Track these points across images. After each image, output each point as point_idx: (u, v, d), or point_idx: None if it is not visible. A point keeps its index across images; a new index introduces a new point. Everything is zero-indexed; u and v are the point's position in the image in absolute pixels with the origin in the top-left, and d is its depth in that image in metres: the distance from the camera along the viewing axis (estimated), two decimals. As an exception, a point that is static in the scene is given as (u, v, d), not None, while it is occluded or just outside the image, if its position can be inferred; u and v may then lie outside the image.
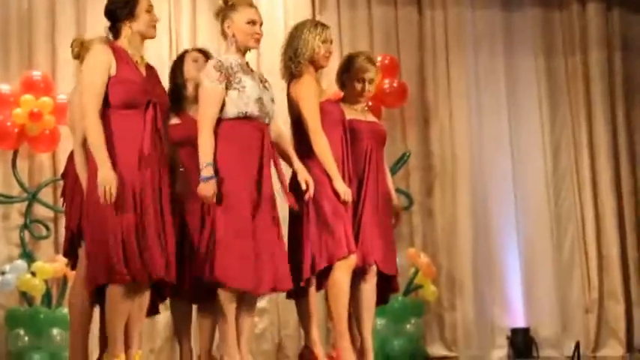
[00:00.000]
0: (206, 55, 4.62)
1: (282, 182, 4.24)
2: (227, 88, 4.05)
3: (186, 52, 4.74)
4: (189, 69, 4.57)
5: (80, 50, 4.33)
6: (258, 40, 4.19)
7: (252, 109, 4.06)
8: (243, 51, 4.19)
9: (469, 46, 7.53)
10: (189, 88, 4.55)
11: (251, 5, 4.20)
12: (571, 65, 7.64)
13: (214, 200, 3.95)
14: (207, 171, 3.95)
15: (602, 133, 7.49)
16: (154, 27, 4.10)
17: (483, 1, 7.62)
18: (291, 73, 4.48)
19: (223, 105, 4.04)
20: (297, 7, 7.36)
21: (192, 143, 4.22)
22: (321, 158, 4.34)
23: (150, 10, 4.07)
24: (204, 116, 4.04)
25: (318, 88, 4.48)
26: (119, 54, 3.98)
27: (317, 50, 4.44)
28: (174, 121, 4.48)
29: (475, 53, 7.56)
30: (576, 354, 2.50)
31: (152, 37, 4.14)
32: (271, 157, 4.13)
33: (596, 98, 7.53)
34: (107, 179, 3.79)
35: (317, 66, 4.50)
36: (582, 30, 7.65)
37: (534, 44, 7.65)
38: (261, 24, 4.18)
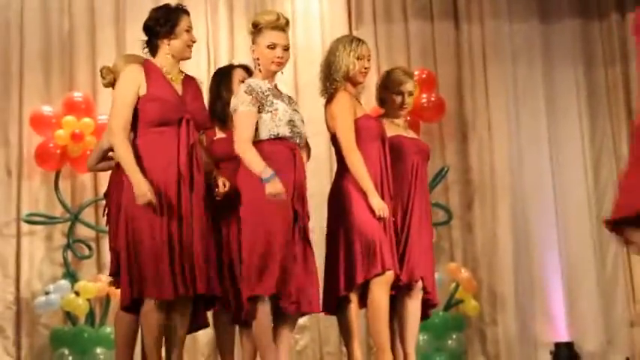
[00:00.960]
0: (249, 74, 4.57)
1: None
2: (259, 112, 4.05)
3: (233, 68, 4.71)
4: (236, 89, 4.49)
5: (112, 76, 4.36)
6: (279, 64, 4.14)
7: (284, 131, 4.06)
8: (269, 75, 4.17)
9: (507, 59, 7.47)
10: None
11: (275, 28, 4.14)
12: (611, 76, 7.54)
13: (284, 196, 3.91)
14: (267, 171, 3.90)
15: (644, 144, 7.37)
16: (191, 47, 4.11)
17: (521, 14, 7.56)
18: (328, 90, 4.48)
19: (256, 128, 4.04)
20: (333, 22, 7.36)
21: (235, 158, 4.22)
22: (356, 175, 4.31)
23: (189, 30, 4.09)
24: (242, 139, 4.02)
25: (354, 105, 4.46)
26: (151, 72, 3.99)
27: (352, 67, 4.42)
28: (220, 135, 4.50)
29: (513, 66, 7.49)
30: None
31: (188, 58, 4.14)
32: (304, 177, 4.12)
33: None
34: (143, 191, 3.78)
35: (353, 82, 4.48)
36: (622, 40, 7.53)
37: (573, 56, 7.56)
38: (285, 47, 4.12)
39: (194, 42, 4.12)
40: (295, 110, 4.19)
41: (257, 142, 4.03)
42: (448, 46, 7.50)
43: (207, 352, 6.67)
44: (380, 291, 4.28)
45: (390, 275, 4.28)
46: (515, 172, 7.34)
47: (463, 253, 7.24)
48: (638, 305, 7.13)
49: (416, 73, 7.07)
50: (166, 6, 4.15)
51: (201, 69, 6.87)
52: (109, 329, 6.21)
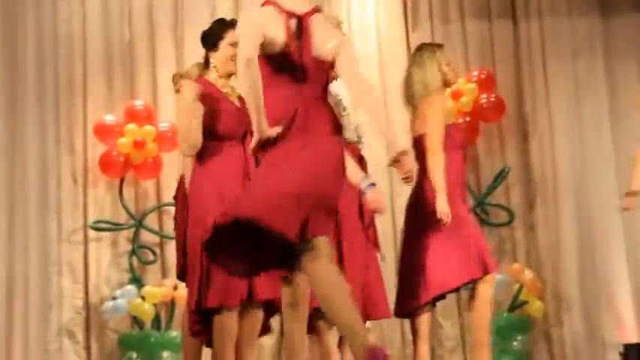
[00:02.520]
0: None
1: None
2: None
3: None
4: None
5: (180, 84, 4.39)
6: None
7: (352, 135, 4.16)
8: None
9: (567, 55, 7.31)
10: None
11: None
12: (676, 69, 7.36)
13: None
14: (368, 179, 3.87)
15: None
16: (234, 61, 3.89)
17: (580, 9, 7.39)
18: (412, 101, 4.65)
19: None
20: (389, 24, 7.29)
21: None
22: (432, 175, 4.33)
23: (234, 44, 3.96)
24: None
25: (446, 109, 4.54)
26: (207, 88, 4.00)
27: (445, 71, 4.57)
28: None
29: (573, 63, 7.33)
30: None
31: (232, 73, 4.05)
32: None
33: None
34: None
35: (448, 85, 4.66)
36: (685, 34, 7.36)
37: (636, 50, 7.36)
38: None
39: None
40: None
41: None
42: (507, 44, 7.38)
43: (270, 358, 6.67)
44: (489, 289, 4.46)
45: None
46: (578, 170, 7.20)
47: (526, 254, 7.13)
48: None
49: (474, 73, 7.08)
50: (219, 20, 4.20)
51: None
52: (174, 333, 6.27)
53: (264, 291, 3.87)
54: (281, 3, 3.31)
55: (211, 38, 4.07)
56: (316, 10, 3.38)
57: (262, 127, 3.15)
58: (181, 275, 4.29)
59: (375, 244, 4.28)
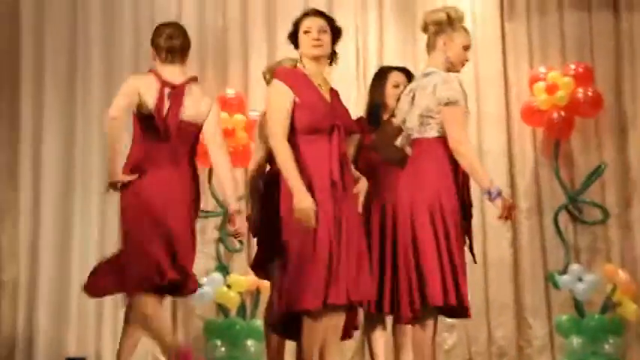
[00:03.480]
0: (408, 78, 4.56)
1: None
2: None
3: (389, 70, 4.68)
4: (389, 93, 4.54)
5: (271, 76, 4.36)
6: (463, 66, 4.16)
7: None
8: (448, 72, 4.09)
9: None
10: (387, 111, 4.53)
11: (467, 30, 4.16)
12: None
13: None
14: (494, 186, 3.91)
15: None
16: (315, 47, 3.97)
17: None
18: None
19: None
20: (484, 15, 7.21)
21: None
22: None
23: (308, 31, 3.99)
24: (464, 139, 3.95)
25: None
26: (299, 81, 3.96)
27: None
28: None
29: None
30: None
31: (315, 57, 4.00)
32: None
33: None
34: (306, 206, 3.73)
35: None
36: None
37: None
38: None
39: (317, 40, 3.97)
40: None
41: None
42: (607, 36, 7.18)
43: (351, 353, 6.68)
44: None
45: None
46: None
47: (621, 254, 6.96)
48: None
49: (572, 66, 6.92)
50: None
51: (349, 70, 6.86)
52: (259, 322, 6.31)
53: (353, 294, 3.82)
54: (160, 72, 4.15)
55: (293, 33, 4.06)
56: (192, 80, 4.23)
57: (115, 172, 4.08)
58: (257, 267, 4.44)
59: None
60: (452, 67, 4.07)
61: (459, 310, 3.96)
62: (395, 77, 4.57)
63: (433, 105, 3.96)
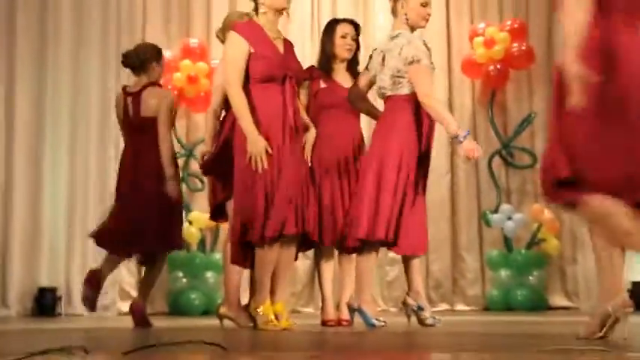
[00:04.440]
0: (356, 29, 4.69)
1: None
2: None
3: (337, 22, 4.78)
4: (338, 43, 4.65)
5: (224, 34, 4.47)
6: (427, 20, 4.23)
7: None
8: (412, 29, 4.21)
9: None
10: (336, 59, 4.66)
11: None
12: None
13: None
14: (464, 129, 4.07)
15: None
16: (286, 1, 4.13)
17: None
18: None
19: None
20: None
21: (337, 107, 4.43)
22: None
23: None
24: (430, 93, 4.11)
25: None
26: (255, 33, 4.08)
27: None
28: (322, 85, 4.60)
29: None
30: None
31: (284, 9, 4.15)
32: None
33: None
34: (257, 146, 3.92)
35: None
36: None
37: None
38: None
39: None
40: None
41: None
42: None
43: (305, 281, 6.87)
44: None
45: None
46: None
47: None
48: None
49: (508, 23, 7.02)
50: None
51: (305, 19, 6.92)
52: (217, 255, 6.38)
53: (308, 224, 4.07)
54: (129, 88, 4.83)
55: None
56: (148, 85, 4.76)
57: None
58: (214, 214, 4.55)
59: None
60: (415, 25, 4.21)
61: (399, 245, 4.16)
62: (343, 28, 4.67)
63: (401, 65, 4.12)
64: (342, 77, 4.67)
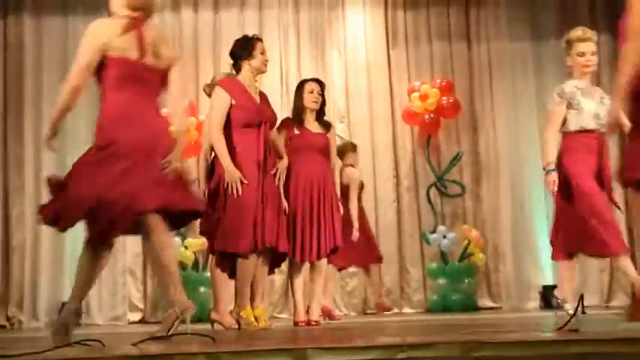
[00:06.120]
0: (320, 86, 4.74)
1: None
2: (568, 108, 3.97)
3: (305, 81, 4.81)
4: (306, 97, 4.68)
5: (210, 90, 4.60)
6: (588, 67, 4.02)
7: (589, 124, 3.98)
8: (579, 77, 4.02)
9: (508, 69, 7.37)
10: (307, 112, 4.70)
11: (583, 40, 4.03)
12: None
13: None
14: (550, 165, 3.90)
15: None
16: (266, 65, 4.26)
17: (517, 35, 7.42)
18: None
19: (565, 121, 3.96)
20: (375, 44, 7.39)
21: (307, 148, 4.52)
22: None
23: (263, 52, 4.23)
24: (548, 133, 3.98)
25: None
26: (236, 87, 4.15)
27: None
28: (296, 132, 4.64)
29: (512, 75, 7.39)
30: (581, 304, 2.61)
31: (264, 72, 4.30)
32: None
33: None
34: (233, 176, 4.00)
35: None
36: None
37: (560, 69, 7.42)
38: (592, 53, 3.99)
39: (267, 61, 4.28)
40: (603, 103, 3.98)
41: (567, 133, 3.95)
42: (462, 59, 7.44)
43: (280, 292, 6.88)
44: None
45: None
46: (513, 154, 7.26)
47: (473, 217, 7.22)
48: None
49: (438, 81, 7.14)
50: (245, 37, 4.33)
51: (275, 83, 7.01)
52: (208, 274, 6.35)
53: (282, 242, 4.13)
54: None
55: (247, 49, 4.20)
56: None
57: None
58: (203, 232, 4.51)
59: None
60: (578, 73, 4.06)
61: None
62: (310, 86, 4.71)
63: None
64: (311, 125, 4.69)
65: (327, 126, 4.71)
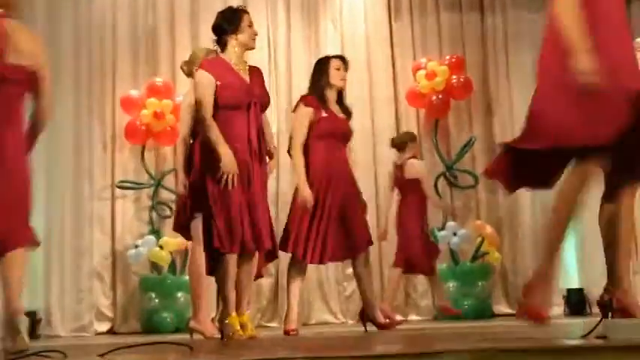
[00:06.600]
0: (345, 63, 4.78)
1: None
2: None
3: (330, 58, 4.83)
4: (333, 74, 4.72)
5: (188, 67, 4.57)
6: None
7: None
8: None
9: (525, 43, 7.32)
10: (331, 91, 4.72)
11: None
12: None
13: None
14: None
15: None
16: (254, 39, 4.22)
17: (537, 5, 7.35)
18: None
19: None
20: (375, 16, 7.44)
21: (333, 137, 4.55)
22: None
23: (251, 25, 4.19)
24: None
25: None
26: (222, 67, 4.13)
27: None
28: (324, 114, 4.64)
29: (531, 49, 7.16)
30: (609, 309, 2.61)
31: (253, 48, 4.26)
32: None
33: None
34: (231, 167, 3.97)
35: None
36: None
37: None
38: None
39: (256, 34, 4.24)
40: None
41: None
42: (475, 33, 7.49)
43: (269, 297, 6.91)
44: None
45: None
46: None
47: (487, 212, 7.24)
48: (640, 255, 7.08)
49: (447, 57, 7.19)
50: (230, 8, 4.29)
51: (262, 60, 6.93)
52: (187, 277, 6.36)
53: (267, 242, 4.09)
54: None
55: (233, 22, 4.16)
56: None
57: None
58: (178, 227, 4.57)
59: None
60: None
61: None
62: (336, 62, 4.74)
63: None
64: (334, 108, 4.72)
65: (348, 112, 4.76)
